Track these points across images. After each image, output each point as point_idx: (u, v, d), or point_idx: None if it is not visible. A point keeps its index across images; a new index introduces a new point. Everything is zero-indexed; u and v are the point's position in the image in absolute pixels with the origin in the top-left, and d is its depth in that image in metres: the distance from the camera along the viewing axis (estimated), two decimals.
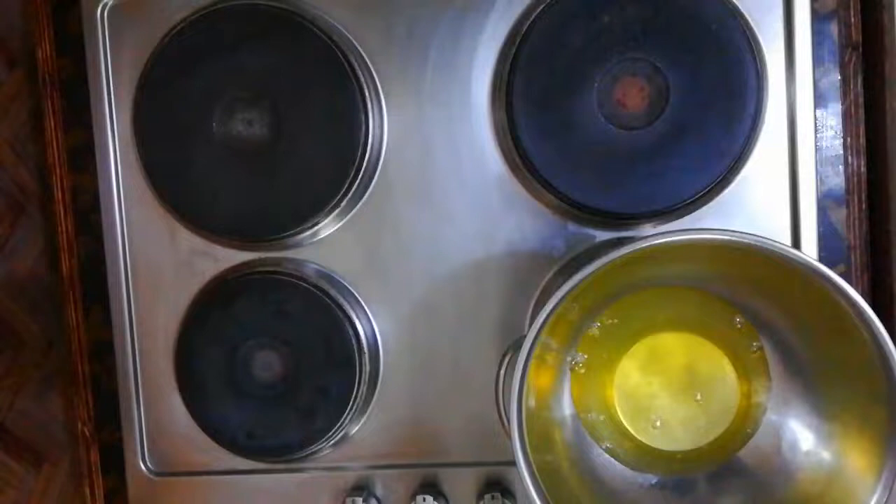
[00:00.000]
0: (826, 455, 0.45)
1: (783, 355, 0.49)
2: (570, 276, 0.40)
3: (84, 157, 0.56)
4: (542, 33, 0.49)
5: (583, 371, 0.50)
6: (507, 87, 0.50)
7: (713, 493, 0.49)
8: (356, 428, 0.55)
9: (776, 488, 0.47)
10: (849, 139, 0.53)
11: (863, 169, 0.53)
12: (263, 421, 0.53)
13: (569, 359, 0.50)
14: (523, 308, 0.53)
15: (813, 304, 0.42)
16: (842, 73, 0.53)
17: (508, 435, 0.41)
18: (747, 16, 0.49)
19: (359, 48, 0.52)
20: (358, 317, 0.53)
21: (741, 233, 0.40)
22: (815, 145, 0.51)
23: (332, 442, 0.54)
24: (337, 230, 0.54)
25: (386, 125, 0.53)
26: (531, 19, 0.49)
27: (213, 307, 0.54)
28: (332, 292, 0.53)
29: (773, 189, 0.51)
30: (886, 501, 0.40)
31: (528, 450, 0.41)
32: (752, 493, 0.48)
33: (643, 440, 0.50)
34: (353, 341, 0.52)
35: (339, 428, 0.53)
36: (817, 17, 0.51)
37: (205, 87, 0.51)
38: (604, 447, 0.50)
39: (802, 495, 0.45)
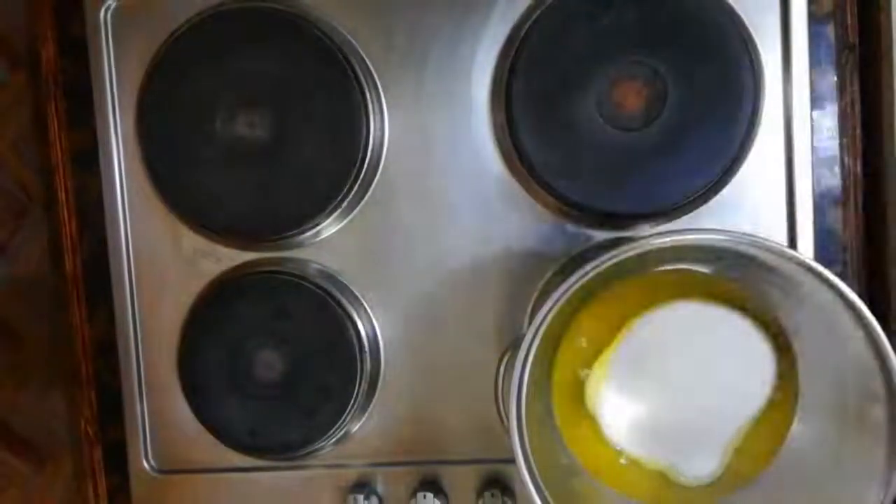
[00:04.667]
0: (825, 455, 0.45)
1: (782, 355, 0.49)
2: (569, 276, 0.41)
3: (87, 158, 0.56)
4: (541, 35, 0.50)
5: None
6: (507, 88, 0.50)
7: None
8: (357, 426, 0.55)
9: (775, 489, 0.47)
10: (845, 140, 0.53)
11: (859, 170, 0.53)
12: (265, 419, 0.53)
13: None
14: (523, 308, 0.54)
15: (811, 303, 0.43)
16: (838, 75, 0.53)
17: (508, 433, 0.42)
18: (744, 18, 0.50)
19: (360, 50, 0.53)
20: (359, 316, 0.53)
21: (739, 233, 0.40)
22: (812, 146, 0.52)
23: (334, 440, 0.54)
24: (338, 230, 0.54)
25: (387, 126, 0.53)
26: (531, 21, 0.50)
27: (215, 307, 0.54)
28: (334, 292, 0.53)
29: (770, 190, 0.52)
30: (884, 501, 0.40)
31: (528, 449, 0.42)
32: (750, 494, 0.48)
33: None
34: (355, 340, 0.53)
35: (340, 426, 0.53)
36: (814, 19, 0.52)
37: (208, 88, 0.52)
38: None
39: (802, 496, 0.45)
